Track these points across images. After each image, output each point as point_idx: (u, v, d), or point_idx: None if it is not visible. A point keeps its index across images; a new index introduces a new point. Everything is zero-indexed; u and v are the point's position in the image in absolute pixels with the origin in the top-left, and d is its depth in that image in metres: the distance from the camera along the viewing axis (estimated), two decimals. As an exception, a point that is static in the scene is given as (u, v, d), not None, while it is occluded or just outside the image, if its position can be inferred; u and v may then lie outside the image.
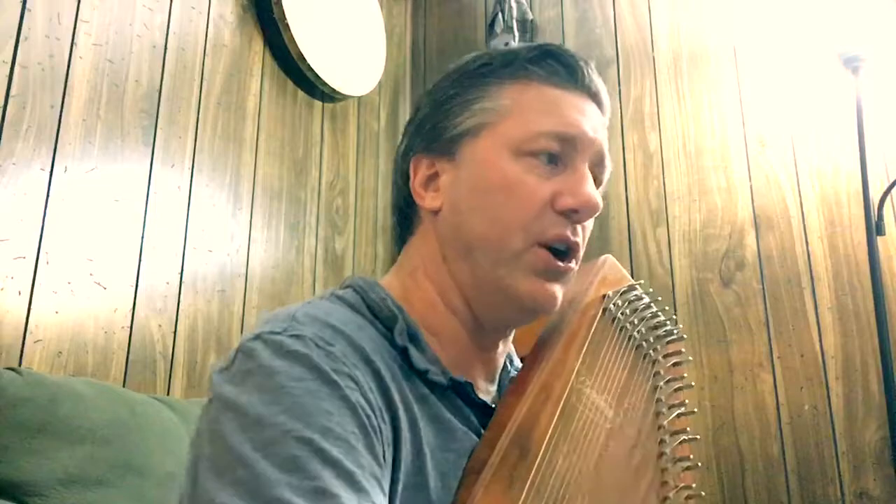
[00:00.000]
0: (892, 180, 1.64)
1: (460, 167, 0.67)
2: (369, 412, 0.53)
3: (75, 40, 1.33)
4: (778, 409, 1.69)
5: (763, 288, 1.78)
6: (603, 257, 0.79)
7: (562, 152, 0.65)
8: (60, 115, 1.28)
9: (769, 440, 1.68)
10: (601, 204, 0.65)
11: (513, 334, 0.71)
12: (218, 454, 0.49)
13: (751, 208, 1.84)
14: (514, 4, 2.22)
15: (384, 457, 0.53)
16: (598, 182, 0.68)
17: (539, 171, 0.64)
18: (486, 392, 0.69)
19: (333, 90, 1.99)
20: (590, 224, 0.68)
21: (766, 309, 1.76)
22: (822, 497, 1.60)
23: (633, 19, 2.14)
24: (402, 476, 0.54)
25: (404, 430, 0.56)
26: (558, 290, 0.65)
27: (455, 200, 0.66)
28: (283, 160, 1.86)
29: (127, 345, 1.34)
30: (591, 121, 0.67)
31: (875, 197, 1.64)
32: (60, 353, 1.22)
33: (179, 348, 1.46)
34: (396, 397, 0.57)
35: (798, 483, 1.63)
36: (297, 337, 0.54)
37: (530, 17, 2.28)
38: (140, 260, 1.40)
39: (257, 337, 0.55)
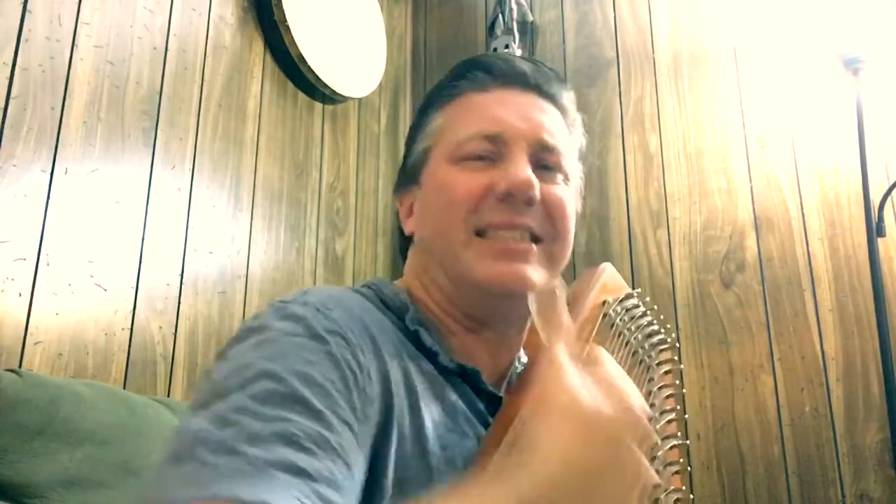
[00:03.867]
0: (892, 181, 1.64)
1: (423, 190, 0.73)
2: (355, 369, 0.55)
3: (76, 42, 1.34)
4: (778, 410, 1.69)
5: (763, 289, 1.78)
6: (603, 265, 0.81)
7: (494, 150, 0.68)
8: (61, 117, 1.28)
9: (770, 442, 1.68)
10: (535, 182, 0.66)
11: (524, 334, 0.73)
12: (202, 393, 0.52)
13: (751, 210, 1.84)
14: (514, 6, 2.23)
15: (365, 414, 0.54)
16: (547, 166, 0.69)
17: (473, 168, 0.67)
18: (496, 386, 0.71)
19: (334, 92, 2.00)
20: (557, 200, 0.69)
21: (766, 310, 1.76)
22: (823, 499, 1.60)
23: (634, 21, 2.14)
24: (395, 439, 0.56)
25: (400, 397, 0.59)
26: (524, 269, 0.65)
27: (419, 215, 0.73)
28: (284, 162, 1.86)
29: (127, 346, 1.34)
30: (521, 109, 0.69)
31: (875, 198, 1.64)
32: (61, 354, 1.22)
33: (180, 350, 1.46)
34: (394, 365, 0.59)
35: (799, 484, 1.63)
36: (302, 303, 0.58)
37: (530, 18, 2.28)
38: (140, 261, 1.40)
39: (270, 304, 0.60)
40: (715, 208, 1.88)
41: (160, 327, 1.42)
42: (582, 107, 2.42)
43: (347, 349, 0.55)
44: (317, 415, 0.49)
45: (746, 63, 1.95)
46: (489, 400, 0.68)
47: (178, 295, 1.47)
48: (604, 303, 0.75)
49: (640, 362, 0.76)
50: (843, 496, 1.58)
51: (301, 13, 1.89)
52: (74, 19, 1.34)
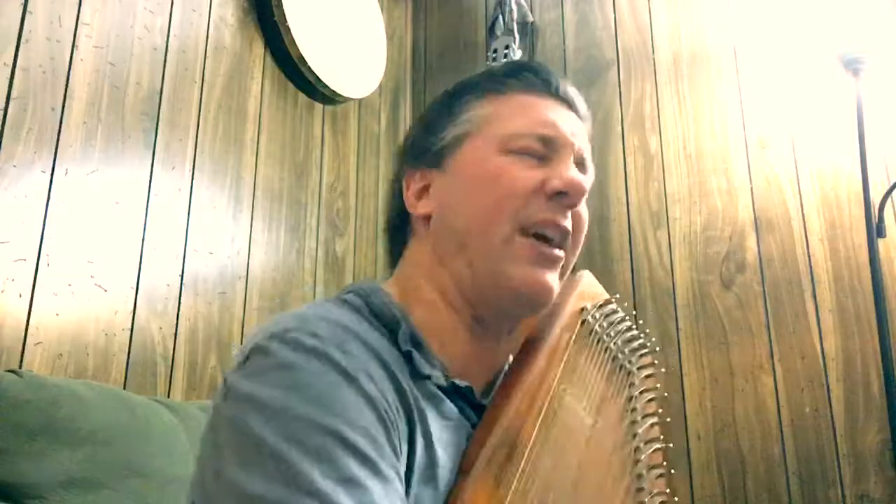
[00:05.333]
0: (892, 182, 1.64)
1: (449, 174, 0.70)
2: (386, 406, 0.54)
3: (76, 43, 1.34)
4: (779, 411, 1.69)
5: (764, 290, 1.78)
6: (581, 272, 0.81)
7: (545, 152, 0.69)
8: (61, 118, 1.28)
9: (770, 442, 1.68)
10: (587, 188, 0.68)
11: (516, 335, 0.72)
12: (244, 447, 0.49)
13: (751, 210, 1.84)
14: (514, 7, 2.23)
15: (399, 449, 0.54)
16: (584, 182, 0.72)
17: (526, 163, 0.68)
18: (487, 395, 0.70)
19: (334, 92, 2.00)
20: (584, 216, 0.71)
21: (766, 311, 1.76)
22: (823, 499, 1.60)
23: (634, 21, 2.14)
24: (416, 469, 0.56)
25: (417, 424, 0.58)
26: (551, 278, 0.66)
27: (445, 202, 0.70)
28: (284, 162, 1.86)
29: (127, 347, 1.34)
30: (569, 125, 0.71)
31: (876, 199, 1.64)
32: (61, 355, 1.22)
33: (180, 350, 1.46)
34: (408, 394, 0.58)
35: (799, 485, 1.63)
36: (313, 335, 0.55)
37: (531, 19, 2.28)
38: (141, 262, 1.40)
39: (271, 336, 0.56)
40: (715, 209, 1.88)
41: (160, 328, 1.42)
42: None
43: (375, 386, 0.54)
44: (373, 466, 0.49)
45: (746, 63, 1.95)
46: (480, 414, 0.66)
47: (178, 295, 1.47)
48: (582, 309, 0.75)
49: (621, 367, 0.77)
50: (844, 497, 1.58)
51: (301, 14, 1.89)
52: (75, 20, 1.34)
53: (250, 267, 1.69)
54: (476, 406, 0.66)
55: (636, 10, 2.15)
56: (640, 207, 1.98)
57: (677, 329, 1.84)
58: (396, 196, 0.75)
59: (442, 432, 0.60)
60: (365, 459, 0.49)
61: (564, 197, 0.66)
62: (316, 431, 0.49)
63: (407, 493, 0.54)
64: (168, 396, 1.40)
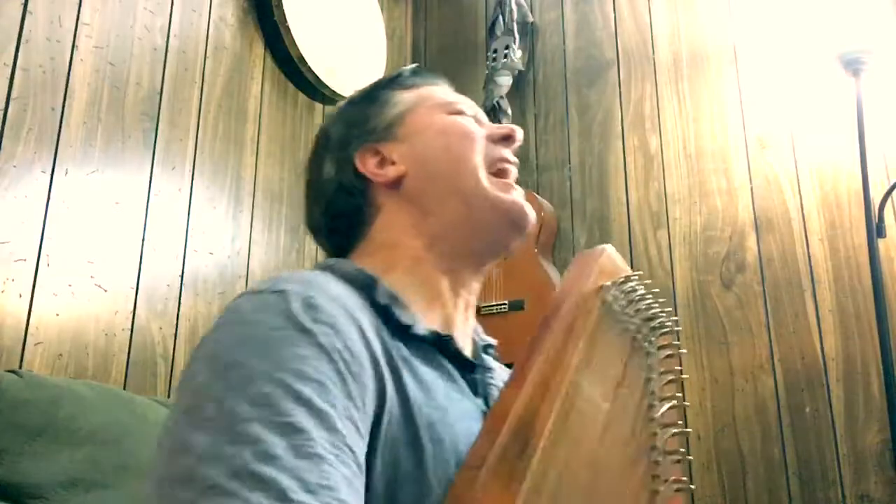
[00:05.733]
0: (892, 182, 1.64)
1: (405, 140, 0.76)
2: (347, 357, 0.54)
3: (76, 43, 1.34)
4: (779, 411, 1.69)
5: (764, 290, 1.78)
6: (601, 247, 0.78)
7: (470, 116, 0.79)
8: (61, 118, 1.28)
9: (770, 442, 1.68)
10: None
11: (479, 285, 0.78)
12: (190, 398, 0.50)
13: (751, 210, 1.84)
14: (514, 7, 2.23)
15: (363, 402, 0.54)
16: None
17: (469, 119, 0.78)
18: (466, 348, 0.72)
19: (334, 92, 2.00)
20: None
21: (766, 311, 1.76)
22: (824, 499, 1.60)
23: (634, 22, 2.14)
24: (386, 421, 0.56)
25: (388, 380, 0.58)
26: (525, 203, 0.76)
27: (418, 159, 0.75)
28: (284, 162, 1.86)
29: (127, 347, 1.34)
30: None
31: (876, 199, 1.63)
32: (61, 355, 1.22)
33: (180, 350, 1.46)
34: (379, 349, 0.59)
35: (799, 485, 1.63)
36: (279, 292, 0.56)
37: (531, 19, 2.28)
38: (141, 262, 1.40)
39: (242, 294, 0.60)
40: (715, 209, 1.89)
41: (160, 328, 1.42)
42: (582, 107, 2.43)
43: (336, 337, 0.54)
44: (321, 415, 0.48)
45: (746, 63, 1.95)
46: (462, 365, 0.69)
47: (178, 296, 1.48)
48: (601, 287, 0.72)
49: (639, 348, 0.73)
50: (844, 497, 1.58)
51: (301, 14, 1.89)
52: (75, 20, 1.34)
53: (250, 267, 1.69)
54: (456, 358, 0.68)
55: (636, 10, 2.15)
56: (640, 207, 1.98)
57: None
58: (351, 179, 0.77)
59: (417, 392, 0.60)
60: (311, 408, 0.48)
61: (510, 140, 0.78)
62: (261, 381, 0.49)
63: (376, 444, 0.54)
64: (168, 396, 1.40)
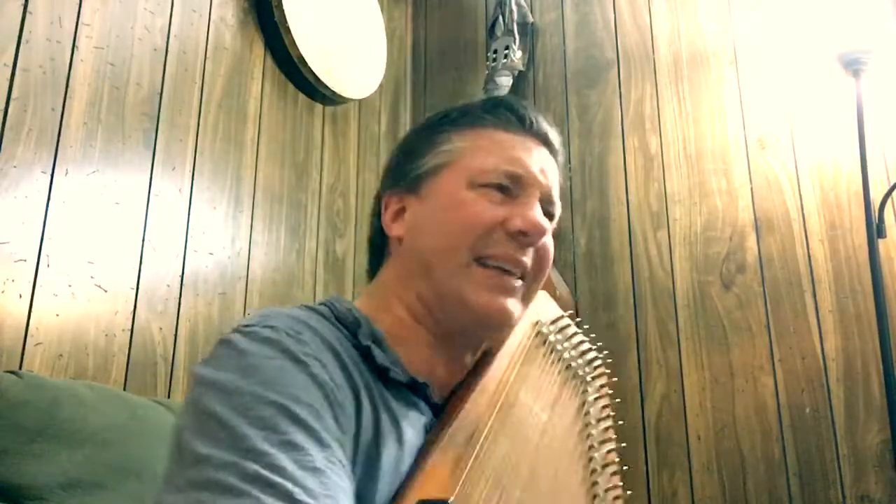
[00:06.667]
0: (892, 182, 1.64)
1: (424, 201, 0.75)
2: (333, 388, 0.59)
3: (76, 43, 1.34)
4: (779, 411, 1.69)
5: (764, 290, 1.78)
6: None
7: (512, 187, 0.73)
8: (61, 118, 1.28)
9: (770, 443, 1.68)
10: (548, 229, 0.73)
11: (477, 357, 0.78)
12: (199, 422, 0.54)
13: (751, 211, 1.84)
14: (514, 7, 2.23)
15: (346, 428, 0.59)
16: (549, 216, 0.76)
17: (491, 199, 0.72)
18: (442, 400, 0.74)
19: (334, 93, 2.00)
20: (548, 247, 0.75)
21: (766, 311, 1.76)
22: (824, 500, 1.60)
23: (634, 22, 2.14)
24: (361, 448, 0.60)
25: (365, 409, 0.62)
26: (510, 304, 0.71)
27: (416, 226, 0.75)
28: (284, 163, 1.86)
29: (128, 347, 1.34)
30: (540, 162, 0.76)
31: (876, 199, 1.64)
32: (61, 355, 1.22)
33: (180, 351, 1.46)
34: (359, 383, 0.63)
35: (799, 486, 1.63)
36: (270, 327, 0.61)
37: (531, 20, 2.28)
38: (141, 262, 1.40)
39: (234, 330, 0.63)
40: (715, 209, 1.88)
41: (160, 328, 1.42)
42: (582, 108, 2.43)
43: (324, 370, 0.59)
44: (315, 434, 0.53)
45: (746, 63, 1.95)
46: (436, 413, 0.71)
47: (178, 296, 1.48)
48: (536, 322, 0.83)
49: (575, 375, 0.84)
50: (844, 497, 1.58)
51: (301, 14, 1.89)
52: (75, 20, 1.34)
53: (250, 267, 1.69)
54: (432, 406, 0.70)
55: (636, 11, 2.15)
56: (640, 208, 1.98)
57: (677, 329, 1.84)
58: (376, 216, 0.80)
59: (389, 428, 0.64)
60: (307, 428, 0.53)
61: (524, 237, 0.71)
62: (262, 405, 0.53)
63: (353, 472, 0.58)
64: (168, 397, 1.40)
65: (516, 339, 0.78)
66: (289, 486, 0.48)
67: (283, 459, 0.50)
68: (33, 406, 0.94)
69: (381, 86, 2.22)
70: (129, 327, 1.35)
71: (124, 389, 1.31)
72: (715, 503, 1.69)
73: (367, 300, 0.76)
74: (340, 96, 2.03)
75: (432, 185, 0.75)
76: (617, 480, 0.78)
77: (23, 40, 1.23)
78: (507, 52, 2.17)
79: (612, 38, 2.17)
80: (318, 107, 2.03)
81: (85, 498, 0.94)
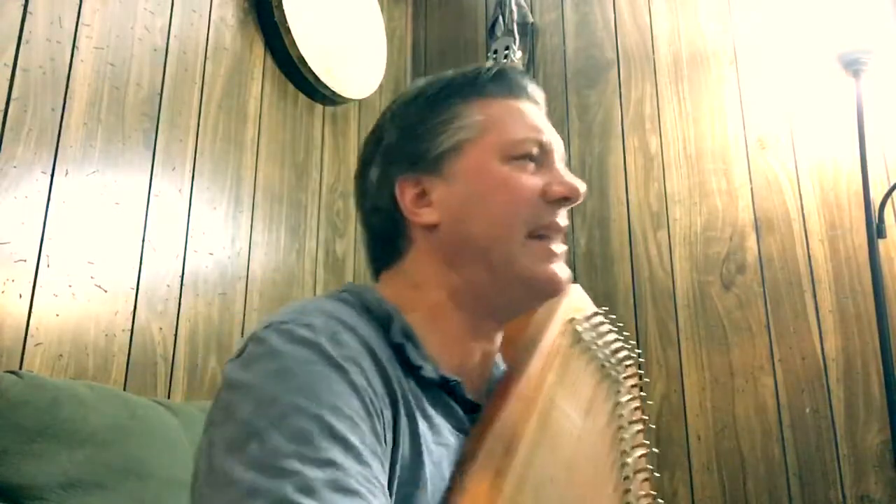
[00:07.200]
0: (892, 182, 1.64)
1: (451, 182, 0.71)
2: (372, 396, 0.56)
3: (76, 43, 1.34)
4: (779, 411, 1.69)
5: (764, 290, 1.78)
6: (571, 286, 0.84)
7: (538, 154, 0.73)
8: (61, 119, 1.28)
9: (770, 443, 1.68)
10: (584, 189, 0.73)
11: (501, 334, 0.76)
12: (231, 432, 0.52)
13: (751, 211, 1.84)
14: (514, 7, 2.23)
15: (385, 439, 0.56)
16: None
17: (527, 169, 0.71)
18: (476, 393, 0.72)
19: (334, 93, 2.00)
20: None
21: (766, 311, 1.76)
22: (824, 500, 1.60)
23: (634, 22, 2.14)
24: (400, 459, 0.58)
25: (402, 417, 0.60)
26: (564, 270, 0.71)
27: (455, 211, 0.71)
28: (284, 163, 1.86)
29: (128, 348, 1.34)
30: (548, 125, 0.76)
31: (876, 199, 1.64)
32: (61, 355, 1.22)
33: (180, 351, 1.46)
34: (396, 387, 0.61)
35: (799, 486, 1.63)
36: (307, 325, 0.57)
37: (531, 20, 2.28)
38: (141, 263, 1.40)
39: (268, 326, 0.59)
40: (715, 209, 1.88)
41: (160, 329, 1.42)
42: (582, 108, 2.43)
43: (363, 376, 0.56)
44: (353, 451, 0.51)
45: (746, 63, 1.95)
46: (470, 409, 0.69)
47: (178, 296, 1.48)
48: (571, 319, 0.80)
49: (608, 376, 0.81)
50: (844, 497, 1.58)
51: (301, 15, 1.89)
52: (75, 21, 1.34)
53: (250, 268, 1.69)
54: (463, 402, 0.68)
55: (636, 11, 2.15)
56: (640, 208, 1.98)
57: (677, 329, 1.84)
58: (388, 203, 0.73)
59: (426, 430, 0.62)
60: (345, 444, 0.50)
61: (566, 201, 0.71)
62: (299, 416, 0.51)
63: (391, 482, 0.56)
64: (168, 397, 1.40)
65: (551, 337, 0.76)
66: None
67: (318, 480, 0.47)
68: (33, 406, 0.94)
69: (381, 86, 2.22)
70: (129, 327, 1.35)
71: (124, 389, 1.31)
72: (715, 503, 1.69)
73: (389, 290, 0.72)
74: (340, 96, 2.03)
75: (457, 164, 0.71)
76: (649, 487, 0.75)
77: (23, 40, 1.23)
78: (507, 52, 2.17)
79: (612, 38, 2.17)
80: (318, 107, 2.03)
81: (85, 498, 0.94)
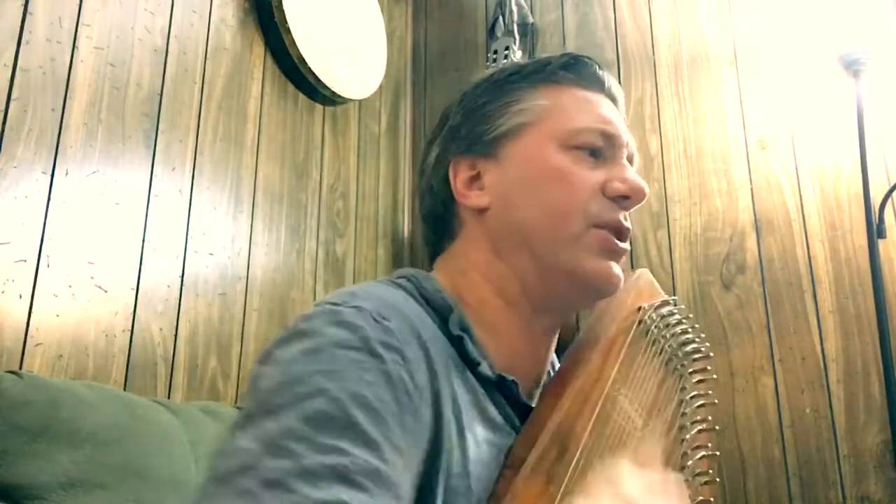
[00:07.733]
0: (892, 183, 1.64)
1: (504, 165, 0.69)
2: (411, 389, 0.53)
3: (77, 44, 1.34)
4: (779, 412, 1.69)
5: (764, 291, 1.78)
6: (639, 271, 0.79)
7: (603, 148, 0.69)
8: (62, 119, 1.28)
9: (770, 443, 1.68)
10: (648, 191, 0.69)
11: (557, 334, 0.72)
12: (251, 404, 0.50)
13: (751, 211, 1.84)
14: (514, 8, 2.23)
15: (417, 436, 0.53)
16: None
17: (586, 162, 0.68)
18: (530, 395, 0.69)
19: (334, 93, 2.00)
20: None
21: (766, 312, 1.76)
22: (824, 500, 1.60)
23: (634, 22, 2.14)
24: (444, 457, 0.55)
25: (449, 417, 0.56)
26: (617, 269, 0.67)
27: (505, 196, 0.68)
28: (284, 163, 1.86)
29: (128, 348, 1.34)
30: (622, 123, 0.72)
31: (876, 199, 1.64)
32: (61, 356, 1.22)
33: (180, 351, 1.46)
34: (444, 383, 0.57)
35: (799, 486, 1.63)
36: (356, 308, 0.55)
37: (531, 20, 2.28)
38: (141, 263, 1.40)
39: (318, 305, 0.57)
40: (715, 210, 1.88)
41: (160, 329, 1.42)
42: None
43: (403, 367, 0.53)
44: (370, 444, 0.48)
45: (746, 64, 1.95)
46: (523, 412, 0.65)
47: (178, 296, 1.47)
48: (639, 309, 0.74)
49: (674, 371, 0.75)
50: (844, 498, 1.58)
51: (301, 15, 1.89)
52: (75, 21, 1.34)
53: (250, 268, 1.69)
54: (516, 404, 0.65)
55: (636, 11, 2.15)
56: (640, 208, 1.97)
57: (677, 330, 1.84)
58: (441, 183, 0.71)
59: (479, 427, 0.59)
60: (361, 434, 0.48)
61: (627, 200, 0.68)
62: (319, 399, 0.48)
63: (433, 482, 0.54)
64: (168, 398, 1.40)
65: (617, 330, 0.70)
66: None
67: (320, 467, 0.45)
68: (33, 406, 0.94)
69: (381, 86, 2.22)
70: (130, 328, 1.35)
71: (124, 390, 1.31)
72: (715, 503, 1.69)
73: (446, 278, 0.68)
74: (340, 96, 2.03)
75: (513, 148, 0.68)
76: (707, 492, 0.70)
77: (23, 40, 1.23)
78: (507, 52, 2.17)
79: (612, 38, 2.17)
80: (318, 107, 2.03)
81: (85, 498, 0.94)
